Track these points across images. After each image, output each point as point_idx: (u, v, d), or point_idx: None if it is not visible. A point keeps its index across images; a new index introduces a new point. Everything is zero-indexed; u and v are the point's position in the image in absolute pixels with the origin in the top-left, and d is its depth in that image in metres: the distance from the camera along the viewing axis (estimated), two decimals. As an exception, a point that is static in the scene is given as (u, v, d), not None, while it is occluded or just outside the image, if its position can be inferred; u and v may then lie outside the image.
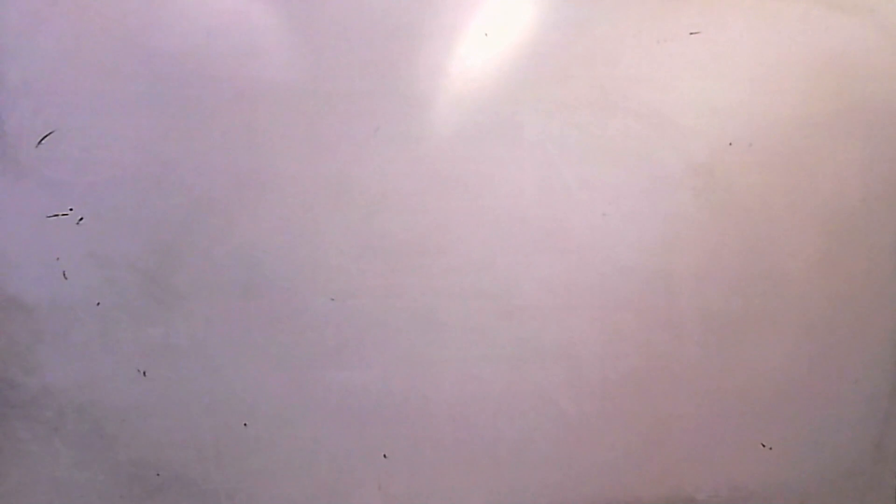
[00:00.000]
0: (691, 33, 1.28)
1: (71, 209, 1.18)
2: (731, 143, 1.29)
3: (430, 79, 1.23)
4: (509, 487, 1.30)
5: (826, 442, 1.36)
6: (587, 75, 1.26)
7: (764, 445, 1.34)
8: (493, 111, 1.25)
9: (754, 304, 1.32)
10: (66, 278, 1.18)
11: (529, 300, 1.27)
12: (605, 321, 1.29)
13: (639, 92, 1.27)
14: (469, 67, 1.24)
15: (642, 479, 1.33)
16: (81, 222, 1.18)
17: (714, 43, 1.28)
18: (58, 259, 1.18)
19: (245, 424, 1.24)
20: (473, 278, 1.26)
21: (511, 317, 1.27)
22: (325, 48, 1.21)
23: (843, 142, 1.32)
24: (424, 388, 1.27)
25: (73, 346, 1.19)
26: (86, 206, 1.18)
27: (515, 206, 1.26)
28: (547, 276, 1.27)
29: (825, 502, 1.36)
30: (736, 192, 1.30)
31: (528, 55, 1.25)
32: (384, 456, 1.27)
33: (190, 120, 1.19)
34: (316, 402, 1.25)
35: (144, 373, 1.21)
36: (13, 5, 1.16)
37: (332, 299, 1.23)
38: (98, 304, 1.19)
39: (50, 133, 1.17)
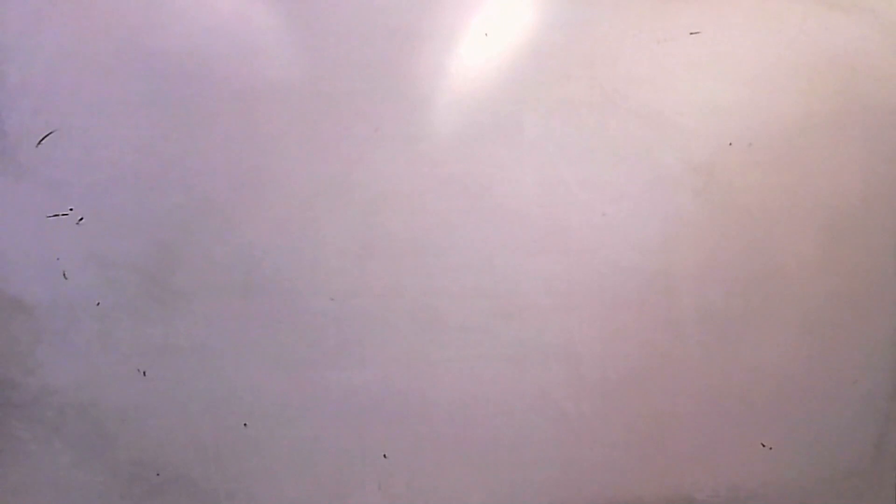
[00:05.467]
0: (691, 33, 1.28)
1: (71, 209, 1.18)
2: (731, 143, 1.29)
3: (430, 79, 1.23)
4: (509, 487, 1.30)
5: (826, 442, 1.36)
6: (587, 75, 1.26)
7: (764, 445, 1.34)
8: (493, 111, 1.25)
9: (754, 304, 1.32)
10: (66, 278, 1.18)
11: (529, 300, 1.27)
12: (605, 321, 1.29)
13: (639, 92, 1.27)
14: (469, 67, 1.24)
15: (642, 479, 1.32)
16: (81, 222, 1.18)
17: (714, 43, 1.28)
18: (58, 259, 1.18)
19: (245, 424, 1.24)
20: (473, 278, 1.26)
21: (511, 317, 1.27)
22: (325, 48, 1.22)
23: (843, 142, 1.32)
24: (424, 388, 1.27)
25: (73, 346, 1.19)
26: (86, 206, 1.18)
27: (516, 206, 1.26)
28: (547, 276, 1.27)
29: (825, 502, 1.36)
30: (736, 192, 1.30)
31: (528, 55, 1.25)
32: (384, 456, 1.27)
33: (190, 120, 1.19)
34: (316, 402, 1.25)
35: (144, 373, 1.21)
36: (13, 5, 1.16)
37: (332, 299, 1.23)
38: (98, 304, 1.19)
39: (50, 133, 1.17)
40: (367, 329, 1.25)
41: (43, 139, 1.16)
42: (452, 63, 1.23)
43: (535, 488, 1.30)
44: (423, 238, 1.25)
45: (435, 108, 1.24)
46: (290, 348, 1.23)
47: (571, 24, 1.26)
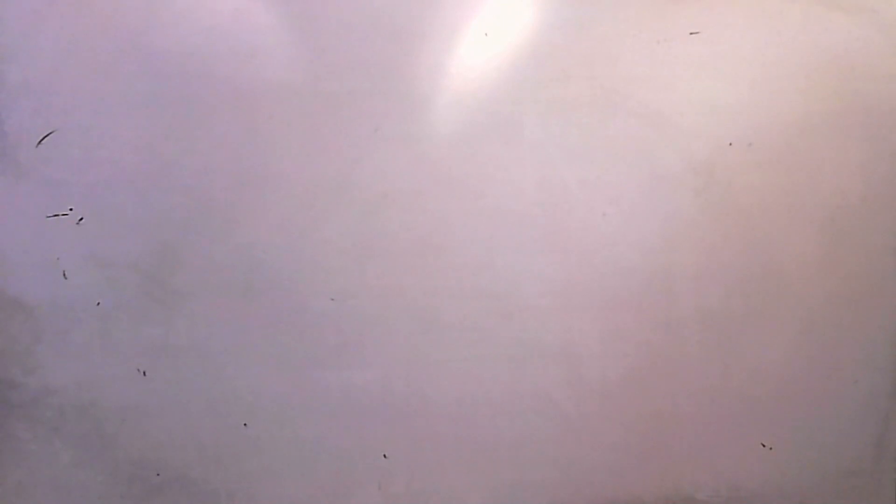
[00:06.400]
0: (691, 33, 1.28)
1: (71, 209, 1.18)
2: (731, 143, 1.29)
3: (430, 79, 1.23)
4: (509, 487, 1.30)
5: (826, 442, 1.36)
6: (587, 75, 1.26)
7: (764, 445, 1.34)
8: (493, 111, 1.25)
9: (754, 303, 1.32)
10: (66, 278, 1.18)
11: (529, 300, 1.27)
12: (605, 321, 1.29)
13: (639, 92, 1.27)
14: (469, 67, 1.24)
15: (642, 479, 1.32)
16: (81, 222, 1.18)
17: (714, 43, 1.28)
18: (58, 259, 1.18)
19: (245, 424, 1.24)
20: (473, 278, 1.26)
21: (511, 317, 1.27)
22: (325, 48, 1.21)
23: (843, 142, 1.32)
24: (424, 388, 1.27)
25: (73, 346, 1.19)
26: (86, 206, 1.18)
27: (515, 206, 1.26)
28: (547, 276, 1.27)
29: (825, 502, 1.36)
30: (736, 192, 1.30)
31: (528, 55, 1.25)
32: (384, 456, 1.27)
33: (190, 120, 1.19)
34: (316, 402, 1.25)
35: (144, 373, 1.21)
36: (13, 5, 1.16)
37: (332, 299, 1.23)
38: (98, 304, 1.19)
39: (50, 133, 1.17)
40: (367, 329, 1.25)
41: (43, 139, 1.16)
42: (452, 63, 1.23)
43: (535, 488, 1.30)
44: (423, 238, 1.25)
45: (435, 108, 1.24)
46: (290, 348, 1.23)
47: (571, 24, 1.26)
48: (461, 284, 1.26)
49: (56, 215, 1.18)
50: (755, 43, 1.29)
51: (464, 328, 1.26)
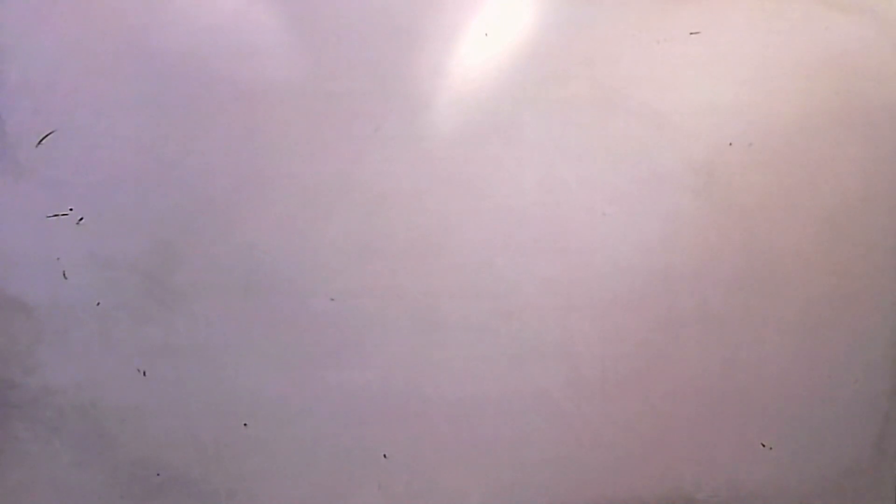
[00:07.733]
0: (691, 33, 1.28)
1: (71, 209, 1.18)
2: (731, 143, 1.29)
3: (430, 79, 1.23)
4: (509, 487, 1.30)
5: (826, 442, 1.36)
6: (587, 75, 1.26)
7: (764, 445, 1.34)
8: (493, 111, 1.25)
9: (754, 303, 1.32)
10: (66, 278, 1.18)
11: (529, 300, 1.27)
12: (605, 321, 1.29)
13: (639, 92, 1.27)
14: (469, 67, 1.24)
15: (642, 479, 1.33)
16: (81, 222, 1.18)
17: (714, 43, 1.28)
18: (58, 259, 1.18)
19: (245, 424, 1.24)
20: (473, 278, 1.26)
21: (511, 317, 1.27)
22: (325, 48, 1.22)
23: (843, 142, 1.32)
24: (424, 388, 1.27)
25: (73, 346, 1.19)
26: (86, 206, 1.18)
27: (516, 206, 1.26)
28: (547, 276, 1.27)
29: (825, 502, 1.36)
30: (736, 192, 1.30)
31: (528, 55, 1.25)
32: (384, 456, 1.27)
33: (190, 120, 1.19)
34: (316, 402, 1.25)
35: (144, 373, 1.21)
36: (13, 5, 1.16)
37: (332, 299, 1.23)
38: (98, 304, 1.19)
39: (50, 133, 1.17)
40: (367, 329, 1.25)
41: (43, 139, 1.16)
42: (452, 63, 1.24)
43: (535, 488, 1.31)
44: (423, 238, 1.25)
45: (435, 107, 1.24)
46: (290, 348, 1.24)
47: (571, 24, 1.26)
48: (461, 284, 1.26)
49: (56, 215, 1.18)
50: (755, 43, 1.29)
51: (464, 328, 1.26)
